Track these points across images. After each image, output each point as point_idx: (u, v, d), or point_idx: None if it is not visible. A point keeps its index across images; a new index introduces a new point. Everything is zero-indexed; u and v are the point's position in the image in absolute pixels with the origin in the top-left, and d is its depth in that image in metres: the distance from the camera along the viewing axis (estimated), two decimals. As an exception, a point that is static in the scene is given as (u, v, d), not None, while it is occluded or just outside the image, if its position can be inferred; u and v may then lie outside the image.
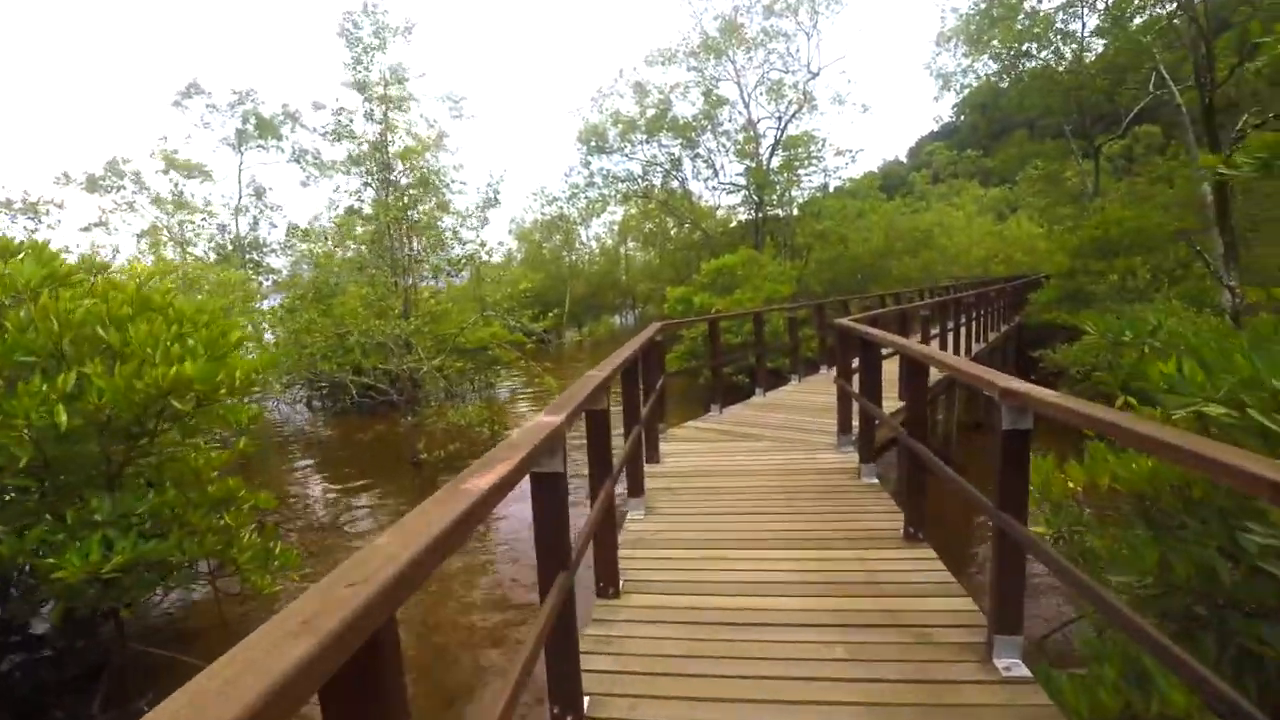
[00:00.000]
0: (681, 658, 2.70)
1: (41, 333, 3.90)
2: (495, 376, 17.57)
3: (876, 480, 4.98)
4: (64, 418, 3.65)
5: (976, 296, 13.52)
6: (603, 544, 3.20)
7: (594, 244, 41.58)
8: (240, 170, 23.24)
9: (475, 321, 13.35)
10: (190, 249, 20.92)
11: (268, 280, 21.12)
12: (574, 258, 39.66)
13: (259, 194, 23.45)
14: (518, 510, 7.58)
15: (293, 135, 22.29)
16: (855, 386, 5.46)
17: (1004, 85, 22.20)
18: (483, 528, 8.02)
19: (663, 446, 6.15)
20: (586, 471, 3.20)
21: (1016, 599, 2.53)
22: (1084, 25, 19.12)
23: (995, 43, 19.89)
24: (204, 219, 21.77)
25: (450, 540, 1.12)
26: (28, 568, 4.45)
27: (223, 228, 22.52)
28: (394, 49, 12.79)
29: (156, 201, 20.85)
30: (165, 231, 20.85)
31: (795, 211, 25.37)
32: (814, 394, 8.91)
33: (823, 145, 24.08)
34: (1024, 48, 19.72)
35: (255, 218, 23.41)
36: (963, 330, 11.59)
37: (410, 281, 12.85)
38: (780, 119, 24.47)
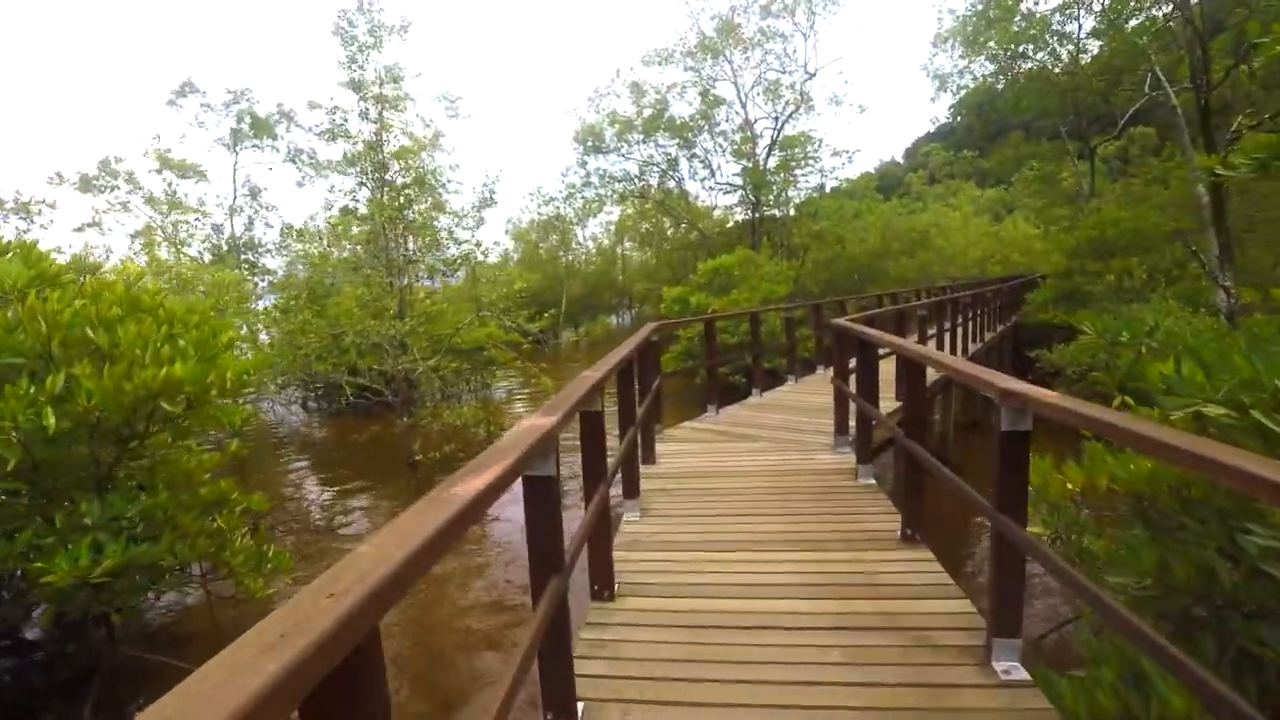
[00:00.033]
0: (677, 662, 2.67)
1: (29, 334, 3.86)
2: (491, 377, 17.53)
3: (874, 481, 4.96)
4: (52, 420, 3.61)
5: (973, 297, 13.52)
6: (597, 546, 3.16)
7: (590, 244, 41.55)
8: (235, 170, 23.17)
9: (471, 322, 13.31)
10: (185, 249, 20.82)
11: (263, 281, 21.04)
12: (570, 258, 39.60)
13: (254, 194, 23.38)
14: (514, 513, 7.55)
15: (288, 135, 22.22)
16: (852, 387, 5.43)
17: (1000, 87, 22.23)
18: (479, 529, 7.99)
19: (659, 447, 6.12)
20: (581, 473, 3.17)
21: (1015, 602, 2.50)
22: (1080, 27, 19.15)
23: (992, 44, 19.91)
24: (198, 219, 21.68)
25: (438, 547, 1.09)
26: (19, 572, 4.41)
27: (217, 228, 22.44)
28: (390, 48, 12.79)
29: (150, 201, 20.75)
30: (159, 232, 20.74)
31: (792, 212, 25.39)
32: (811, 394, 8.89)
33: (819, 146, 24.12)
34: (1020, 49, 19.74)
35: (250, 218, 23.34)
36: (959, 330, 11.59)
37: (406, 282, 12.81)
38: (777, 119, 24.49)
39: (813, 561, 3.58)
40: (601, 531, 3.16)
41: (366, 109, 12.73)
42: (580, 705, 2.33)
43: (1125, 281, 13.72)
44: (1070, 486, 3.24)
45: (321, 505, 9.71)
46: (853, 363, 5.64)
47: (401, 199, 12.52)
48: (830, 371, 7.86)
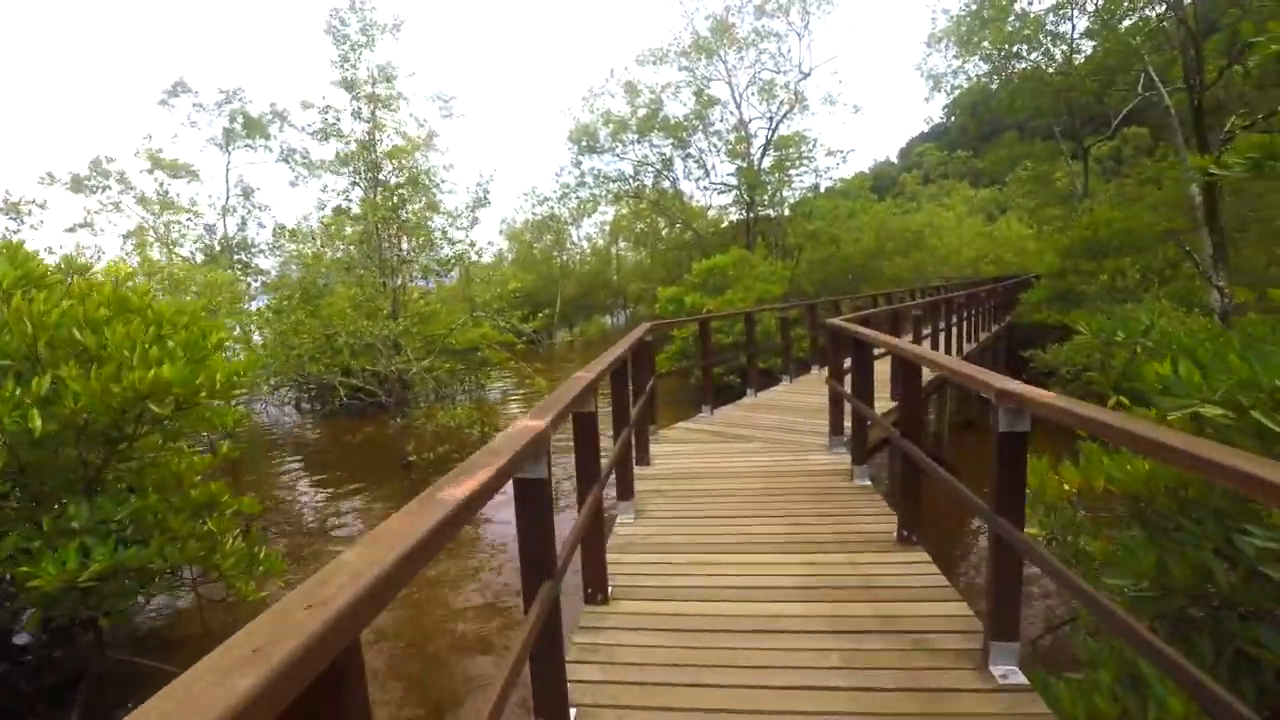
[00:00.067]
0: (671, 666, 2.64)
1: (15, 335, 3.80)
2: (486, 378, 17.48)
3: (869, 482, 4.94)
4: (38, 422, 3.56)
5: (967, 296, 13.54)
6: (591, 549, 3.13)
7: (585, 244, 41.52)
8: (228, 170, 23.06)
9: (465, 322, 13.26)
10: (177, 250, 20.71)
11: (256, 281, 20.94)
12: (565, 258, 39.55)
13: (247, 194, 23.27)
14: (510, 514, 7.51)
15: (281, 135, 22.12)
16: (847, 387, 5.41)
17: (994, 87, 22.27)
18: (473, 531, 7.95)
19: (653, 448, 6.09)
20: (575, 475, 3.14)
21: (1013, 605, 2.48)
22: (1074, 27, 19.19)
23: (985, 44, 19.93)
24: (190, 219, 21.57)
25: (423, 554, 1.06)
26: (7, 576, 4.35)
27: (209, 228, 22.33)
28: (382, 47, 12.78)
29: (142, 202, 20.64)
30: (151, 232, 20.63)
31: (787, 212, 25.42)
32: (806, 394, 8.87)
33: (814, 145, 24.15)
34: (1014, 49, 19.77)
35: (243, 218, 23.24)
36: (954, 330, 11.59)
37: (399, 282, 12.75)
38: (771, 119, 24.51)
39: (809, 564, 3.55)
40: (595, 534, 3.13)
41: (359, 108, 12.68)
42: (573, 711, 2.30)
43: (1119, 281, 13.75)
44: (1067, 487, 3.23)
45: (315, 507, 9.65)
46: (848, 363, 5.63)
47: (395, 199, 12.46)
48: (825, 371, 7.85)
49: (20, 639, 5.16)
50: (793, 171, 24.47)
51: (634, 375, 5.48)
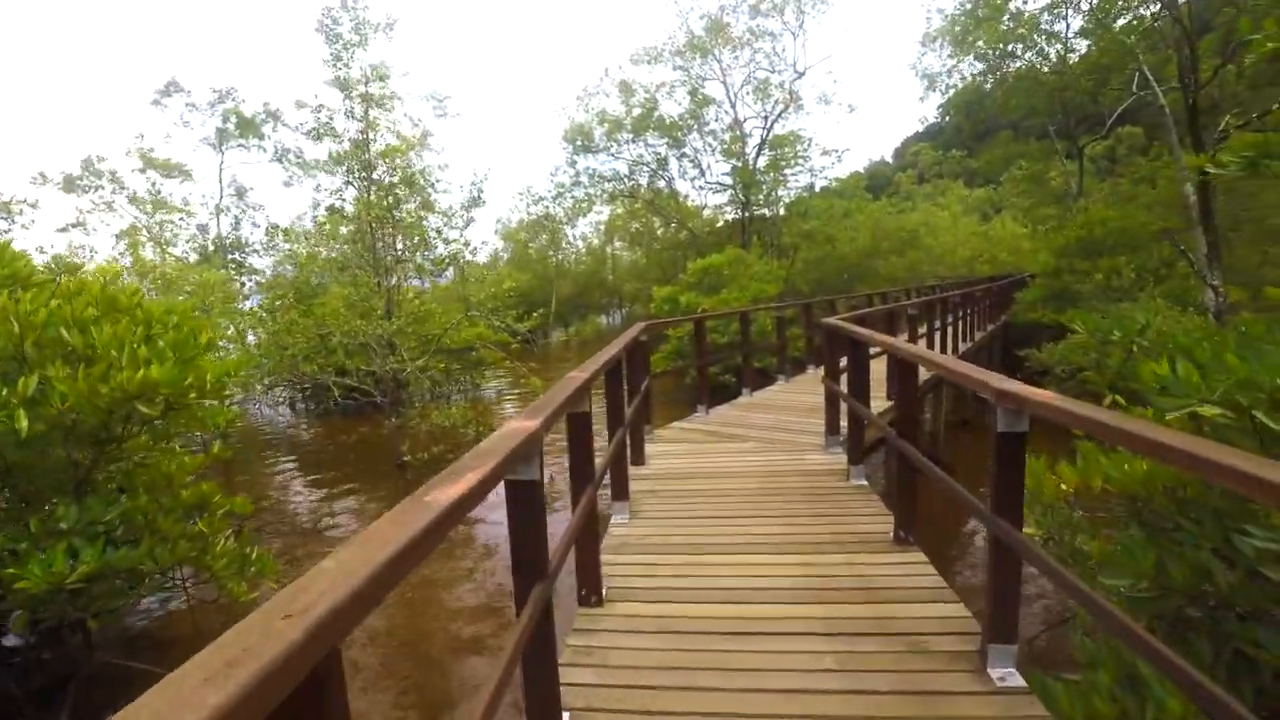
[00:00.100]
0: (666, 670, 2.61)
1: (1, 335, 3.75)
2: (481, 377, 17.44)
3: (865, 482, 4.91)
4: (25, 423, 3.51)
5: (962, 296, 13.55)
6: (585, 550, 3.10)
7: (580, 244, 41.51)
8: (221, 170, 22.98)
9: (459, 322, 13.20)
10: (170, 249, 20.61)
11: (250, 281, 20.86)
12: (560, 257, 39.54)
13: (240, 194, 23.22)
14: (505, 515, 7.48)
15: (275, 134, 22.08)
16: (843, 386, 5.39)
17: (989, 86, 22.28)
18: (468, 532, 7.91)
19: (648, 448, 6.06)
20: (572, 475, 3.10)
21: (1012, 607, 2.45)
22: (1068, 26, 19.21)
23: (980, 43, 19.93)
24: (183, 219, 21.47)
25: (409, 560, 1.02)
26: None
27: (203, 228, 22.23)
28: (376, 46, 12.67)
29: (135, 201, 20.54)
30: (144, 232, 20.53)
31: (782, 211, 25.39)
32: (801, 394, 8.85)
33: (809, 145, 24.12)
34: (1009, 48, 19.78)
35: (237, 218, 23.17)
36: (950, 329, 11.59)
37: (394, 281, 12.69)
38: (766, 118, 24.50)
39: (805, 565, 3.52)
40: (589, 535, 3.10)
41: (352, 107, 12.61)
42: (566, 715, 2.27)
43: (1114, 280, 13.77)
44: (1064, 487, 3.21)
45: (309, 507, 9.60)
46: (843, 362, 5.60)
47: (390, 199, 12.40)
48: (821, 371, 7.83)
49: (8, 641, 5.11)
50: (788, 171, 24.45)
51: (629, 375, 5.45)
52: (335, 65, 12.36)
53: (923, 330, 10.19)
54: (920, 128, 62.56)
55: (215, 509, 4.92)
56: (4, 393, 3.57)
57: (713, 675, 2.55)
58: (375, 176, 12.70)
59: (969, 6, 19.84)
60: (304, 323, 12.34)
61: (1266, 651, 2.23)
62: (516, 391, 17.63)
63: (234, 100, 22.37)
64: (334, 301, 13.00)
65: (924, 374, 7.12)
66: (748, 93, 24.55)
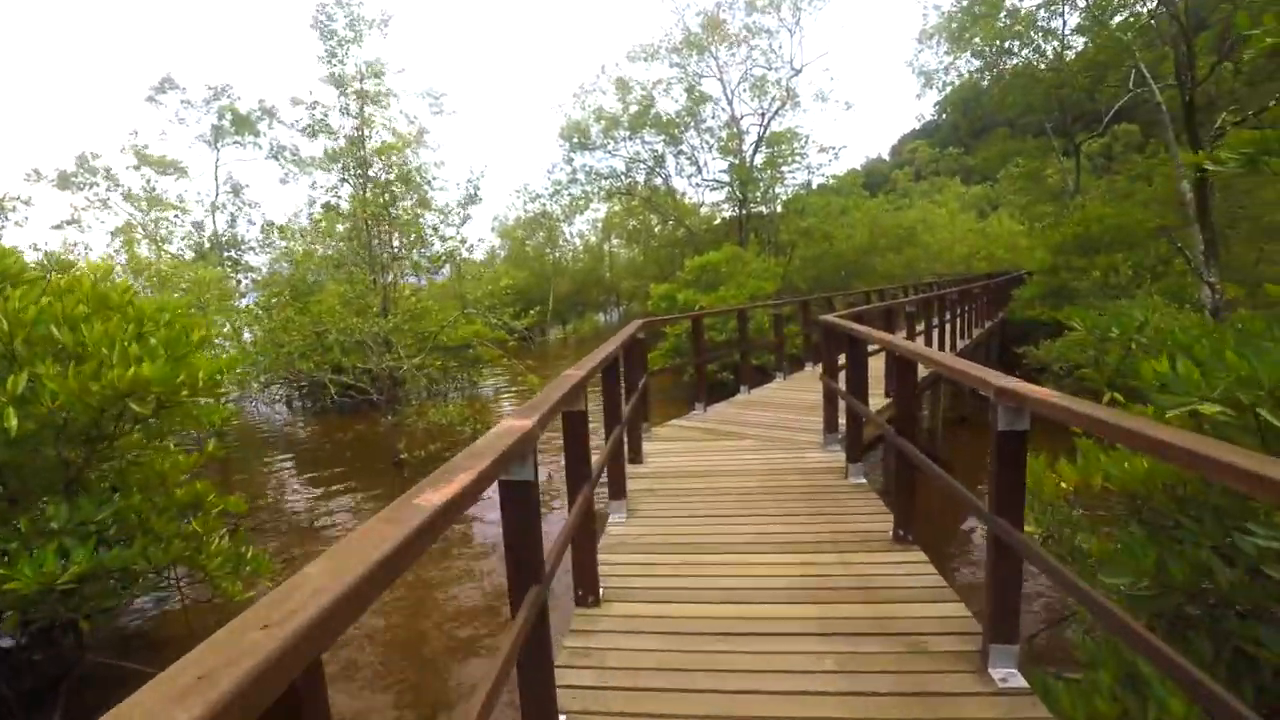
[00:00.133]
0: (663, 671, 2.57)
1: (-10, 332, 3.70)
2: (478, 375, 17.39)
3: (864, 480, 4.89)
4: (14, 421, 3.46)
5: (960, 293, 13.53)
6: (581, 550, 3.07)
7: (578, 241, 41.45)
8: (217, 167, 22.87)
9: (456, 319, 13.16)
10: (165, 247, 20.51)
11: (246, 278, 20.78)
12: (558, 255, 39.48)
13: (236, 191, 23.11)
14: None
15: (270, 131, 21.98)
16: (841, 383, 5.36)
17: (985, 83, 22.25)
18: (467, 531, 7.87)
19: (646, 446, 6.03)
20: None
21: (1013, 607, 2.43)
22: (1065, 23, 19.19)
23: (977, 40, 19.91)
24: (178, 216, 21.36)
25: (396, 566, 0.99)
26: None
27: (198, 225, 22.14)
28: (370, 43, 12.63)
29: (129, 198, 20.43)
30: (140, 229, 20.43)
31: (779, 208, 25.36)
32: (799, 391, 8.83)
33: (806, 142, 24.09)
34: (1005, 45, 19.76)
35: (233, 215, 23.05)
36: (947, 326, 11.57)
37: (390, 279, 12.65)
38: (763, 116, 24.47)
39: (803, 564, 3.50)
40: (586, 534, 3.07)
41: (347, 104, 12.55)
42: (562, 718, 2.24)
43: (1111, 278, 13.76)
44: (1064, 485, 3.19)
45: (306, 505, 9.55)
46: (842, 359, 5.58)
47: (386, 196, 12.35)
48: (818, 368, 7.81)
49: (8, 645, 5.07)
50: (785, 168, 24.43)
51: (626, 373, 5.41)
52: (330, 62, 12.31)
53: (920, 327, 10.17)
54: (917, 125, 62.54)
55: (210, 508, 4.88)
56: (-7, 391, 3.52)
57: (711, 677, 2.52)
58: (371, 174, 12.65)
59: (966, 3, 19.81)
60: (300, 320, 12.30)
61: (1267, 650, 2.22)
62: (514, 389, 17.58)
63: (229, 97, 22.27)
64: (330, 299, 12.96)
65: (922, 371, 7.11)
66: (745, 90, 24.55)
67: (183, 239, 21.40)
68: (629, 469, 5.06)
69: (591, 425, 3.26)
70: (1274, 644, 2.19)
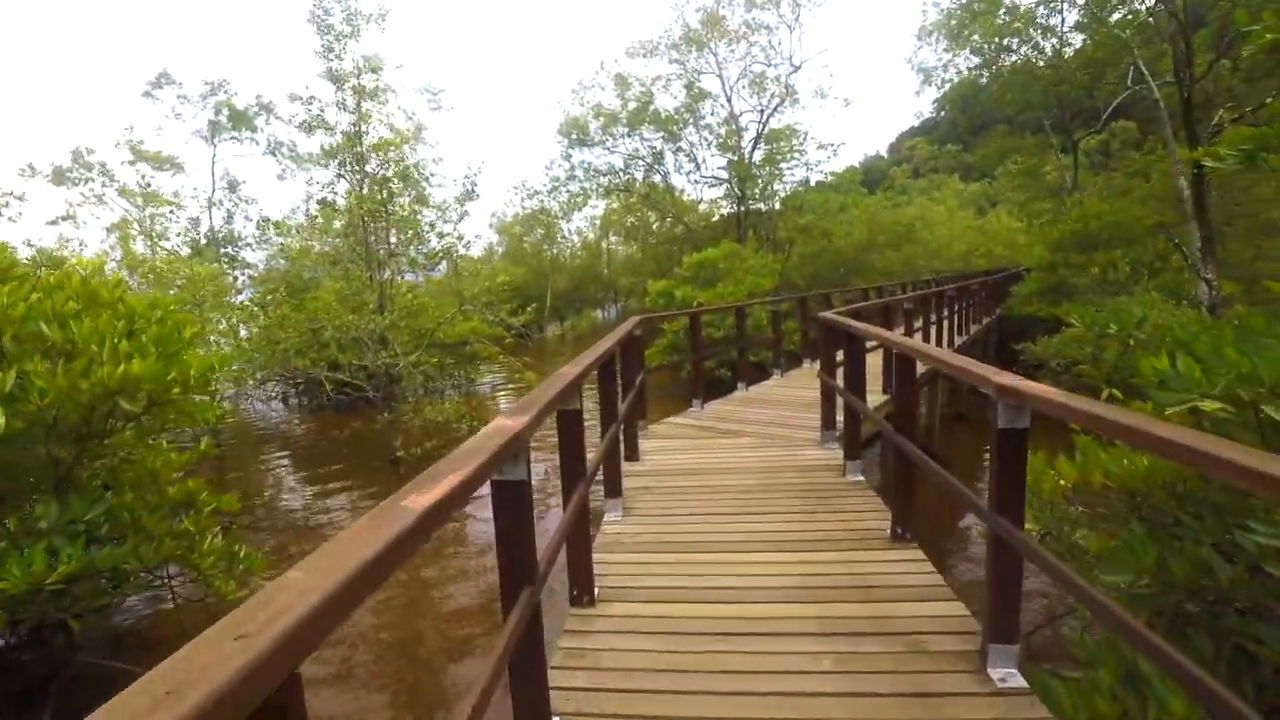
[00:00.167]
0: (659, 672, 2.54)
1: (-22, 329, 3.66)
2: (476, 372, 17.35)
3: (862, 477, 4.86)
4: (2, 420, 3.42)
5: (958, 290, 13.51)
6: (576, 549, 3.04)
7: (575, 238, 41.33)
8: (214, 163, 22.74)
9: (453, 316, 13.12)
10: (161, 243, 20.40)
11: (243, 275, 20.69)
12: (555, 252, 39.38)
13: (233, 187, 22.96)
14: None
15: (268, 127, 21.87)
16: (839, 380, 5.34)
17: (984, 80, 22.24)
18: (464, 531, 7.84)
19: (642, 443, 6.01)
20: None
21: (1013, 607, 2.40)
22: (1063, 20, 19.19)
23: (976, 37, 19.90)
24: (173, 212, 21.24)
25: (380, 571, 0.95)
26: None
27: (194, 221, 22.02)
28: (368, 37, 12.57)
29: (124, 194, 20.32)
30: (136, 225, 20.32)
31: (777, 205, 25.33)
32: (797, 388, 8.81)
33: (805, 139, 24.03)
34: (1004, 42, 19.75)
35: (230, 211, 22.92)
36: (945, 323, 11.55)
37: (386, 275, 12.60)
38: (762, 112, 24.40)
39: (801, 563, 3.47)
40: (581, 533, 3.04)
41: (344, 99, 12.48)
42: (556, 721, 2.21)
43: (1109, 274, 13.77)
44: (1063, 483, 3.17)
45: (303, 503, 9.52)
46: (839, 356, 5.55)
47: (384, 193, 12.30)
48: (816, 365, 7.79)
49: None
50: (783, 165, 24.36)
51: (623, 369, 5.39)
52: (327, 57, 12.25)
53: (918, 324, 10.15)
54: (915, 122, 62.52)
55: (202, 506, 4.84)
56: (-19, 389, 3.48)
57: (707, 678, 2.49)
58: (368, 170, 12.60)
59: (965, 0, 19.76)
60: (296, 317, 12.26)
61: (1267, 647, 2.20)
62: (511, 386, 17.55)
63: (226, 93, 22.12)
64: (326, 295, 12.90)
65: (919, 368, 7.09)
66: (743, 86, 24.47)
67: (179, 235, 21.29)
68: (625, 467, 5.03)
69: (588, 423, 3.23)
70: (1274, 641, 2.18)
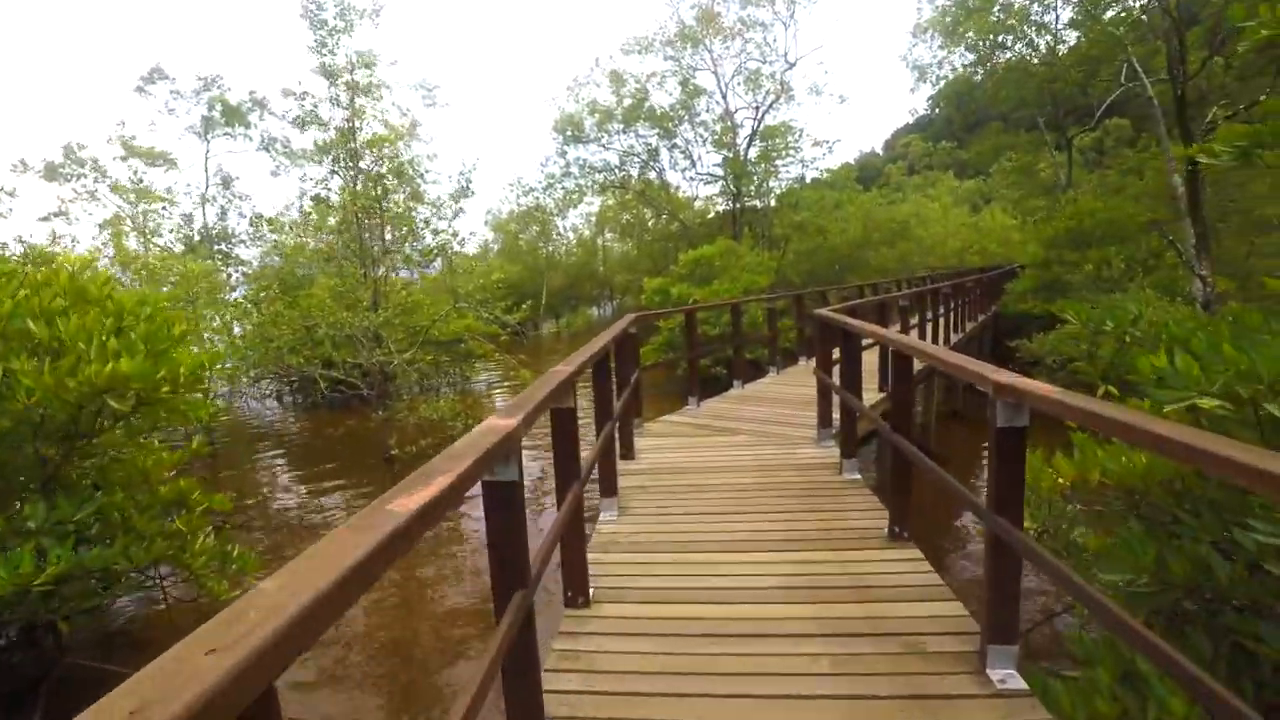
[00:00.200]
0: (654, 674, 2.51)
1: (-37, 327, 3.61)
2: (471, 369, 17.29)
3: (859, 476, 4.84)
4: (-12, 419, 3.38)
5: (953, 287, 13.51)
6: (571, 549, 3.00)
7: (571, 235, 41.27)
8: (207, 159, 22.60)
9: (448, 313, 13.05)
10: (155, 239, 20.27)
11: (237, 272, 20.57)
12: (551, 249, 39.28)
13: (226, 183, 22.84)
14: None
15: (261, 123, 21.76)
16: (835, 378, 5.31)
17: (979, 78, 22.25)
18: (458, 528, 7.80)
19: (637, 442, 5.97)
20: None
21: (1012, 607, 2.38)
22: (1058, 18, 19.20)
23: (970, 34, 19.89)
24: (166, 208, 21.10)
25: (365, 577, 0.92)
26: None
27: (187, 217, 21.89)
28: (361, 33, 12.43)
29: (117, 189, 20.17)
30: (128, 221, 20.18)
31: (773, 202, 25.31)
32: (793, 386, 8.79)
33: (800, 136, 24.00)
34: (999, 40, 19.76)
35: (223, 208, 22.81)
36: (941, 320, 11.55)
37: (381, 272, 12.52)
38: (758, 109, 24.34)
39: (797, 562, 3.44)
40: (575, 534, 3.00)
41: (337, 95, 12.38)
42: (549, 724, 2.18)
43: (1103, 271, 13.80)
44: (1061, 481, 3.15)
45: (297, 502, 9.47)
46: (835, 354, 5.53)
47: (378, 189, 12.21)
48: (812, 362, 7.76)
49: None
50: (779, 162, 24.32)
51: (618, 367, 5.35)
52: (320, 52, 12.13)
53: (914, 321, 10.14)
54: (910, 119, 62.48)
55: (195, 505, 4.79)
56: (-34, 388, 3.43)
57: (703, 680, 2.46)
58: (362, 166, 12.51)
59: (959, -3, 19.77)
60: (290, 314, 12.17)
61: (1266, 646, 2.19)
62: (506, 384, 17.50)
63: (219, 88, 22.02)
64: (320, 293, 12.81)
65: (916, 365, 7.07)
66: (739, 83, 24.39)
67: (172, 232, 21.16)
68: (621, 465, 5.00)
69: (583, 421, 3.20)
70: (1273, 640, 2.16)
